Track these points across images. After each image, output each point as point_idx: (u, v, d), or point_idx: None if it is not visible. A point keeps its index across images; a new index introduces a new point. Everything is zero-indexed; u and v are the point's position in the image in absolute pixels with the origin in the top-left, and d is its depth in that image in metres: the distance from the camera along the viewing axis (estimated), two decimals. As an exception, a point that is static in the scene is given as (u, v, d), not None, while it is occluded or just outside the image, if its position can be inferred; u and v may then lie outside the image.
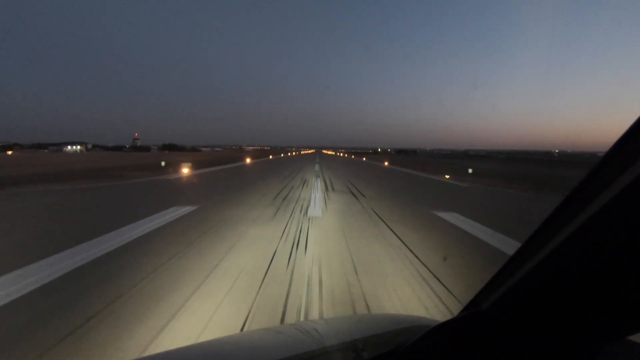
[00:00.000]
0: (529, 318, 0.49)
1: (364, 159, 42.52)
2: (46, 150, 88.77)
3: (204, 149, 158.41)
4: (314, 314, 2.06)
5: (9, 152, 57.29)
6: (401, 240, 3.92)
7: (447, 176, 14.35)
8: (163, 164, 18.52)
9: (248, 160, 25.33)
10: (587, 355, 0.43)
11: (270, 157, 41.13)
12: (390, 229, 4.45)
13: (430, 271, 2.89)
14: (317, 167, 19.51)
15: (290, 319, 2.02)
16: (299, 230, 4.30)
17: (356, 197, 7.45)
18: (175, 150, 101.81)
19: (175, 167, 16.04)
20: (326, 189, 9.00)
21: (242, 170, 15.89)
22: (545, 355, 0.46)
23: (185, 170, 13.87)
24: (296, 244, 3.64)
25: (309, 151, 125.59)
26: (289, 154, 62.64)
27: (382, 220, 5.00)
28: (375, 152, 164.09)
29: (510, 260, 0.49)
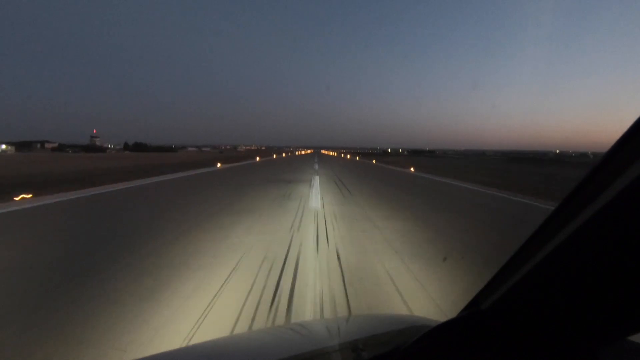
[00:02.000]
0: (529, 318, 0.49)
1: (410, 168, 16.73)
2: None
3: (191, 148, 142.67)
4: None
5: None
6: None
7: None
8: None
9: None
10: (587, 355, 0.43)
11: (219, 165, 16.72)
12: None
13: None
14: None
15: None
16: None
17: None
18: (144, 151, 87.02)
19: None
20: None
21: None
22: (545, 355, 0.46)
23: None
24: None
25: (306, 151, 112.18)
26: (274, 155, 42.95)
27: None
28: (385, 153, 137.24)
29: (510, 260, 0.49)
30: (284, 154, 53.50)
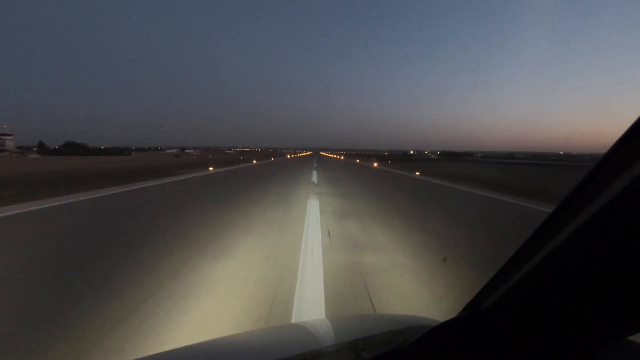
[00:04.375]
0: (529, 318, 0.49)
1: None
2: None
3: (169, 150, 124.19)
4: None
5: None
6: None
7: None
8: None
9: None
10: (587, 355, 0.43)
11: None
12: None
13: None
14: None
15: None
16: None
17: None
18: (76, 154, 61.37)
19: None
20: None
21: None
22: (545, 355, 0.46)
23: None
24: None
25: (305, 153, 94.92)
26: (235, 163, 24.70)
27: None
28: (406, 156, 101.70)
29: (510, 260, 0.49)
30: (254, 161, 29.51)
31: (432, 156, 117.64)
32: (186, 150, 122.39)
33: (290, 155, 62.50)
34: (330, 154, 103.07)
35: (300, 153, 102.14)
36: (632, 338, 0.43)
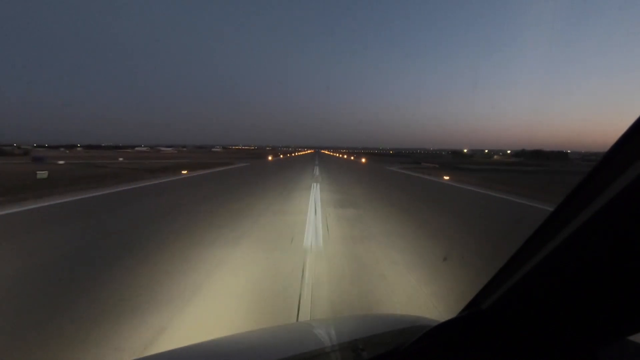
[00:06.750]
0: (529, 318, 0.48)
1: None
2: None
3: (138, 148, 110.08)
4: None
5: None
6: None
7: None
8: None
9: None
10: (587, 355, 0.43)
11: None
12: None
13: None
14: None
15: None
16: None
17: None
18: None
19: None
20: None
21: None
22: (545, 355, 0.46)
23: None
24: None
25: (305, 151, 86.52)
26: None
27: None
28: (458, 157, 70.23)
29: (510, 260, 0.49)
30: (184, 171, 12.99)
31: (496, 157, 79.56)
32: (162, 149, 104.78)
33: (281, 155, 44.55)
34: (334, 152, 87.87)
35: (301, 151, 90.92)
36: (632, 338, 0.43)
